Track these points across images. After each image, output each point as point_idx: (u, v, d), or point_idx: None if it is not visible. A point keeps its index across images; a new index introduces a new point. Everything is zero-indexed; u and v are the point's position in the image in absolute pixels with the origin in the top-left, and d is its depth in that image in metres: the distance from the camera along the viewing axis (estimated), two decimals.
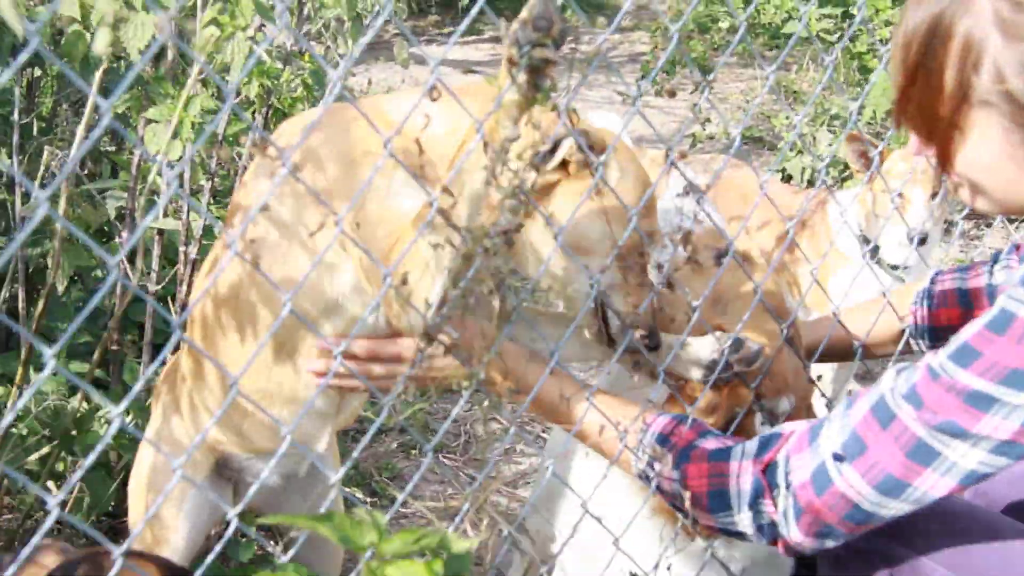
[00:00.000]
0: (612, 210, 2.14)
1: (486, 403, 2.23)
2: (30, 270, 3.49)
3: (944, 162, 1.98)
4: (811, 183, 6.61)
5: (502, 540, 2.32)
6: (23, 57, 1.38)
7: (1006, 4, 1.82)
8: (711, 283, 2.21)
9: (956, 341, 1.89)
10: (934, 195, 4.22)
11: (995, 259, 2.56)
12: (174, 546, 2.60)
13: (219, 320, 2.44)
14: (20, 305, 3.45)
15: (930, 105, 1.93)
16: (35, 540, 1.59)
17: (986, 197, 1.98)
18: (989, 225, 6.32)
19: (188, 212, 3.42)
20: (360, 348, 2.28)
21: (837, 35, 7.97)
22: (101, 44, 1.24)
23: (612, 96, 7.93)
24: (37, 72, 3.84)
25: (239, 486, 2.72)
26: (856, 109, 2.65)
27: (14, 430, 3.21)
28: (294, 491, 2.79)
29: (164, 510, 2.60)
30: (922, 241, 4.18)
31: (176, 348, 3.13)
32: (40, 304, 3.34)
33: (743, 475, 2.06)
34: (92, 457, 1.51)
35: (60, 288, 3.36)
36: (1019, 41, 1.82)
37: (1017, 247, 2.53)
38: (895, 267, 4.34)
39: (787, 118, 7.37)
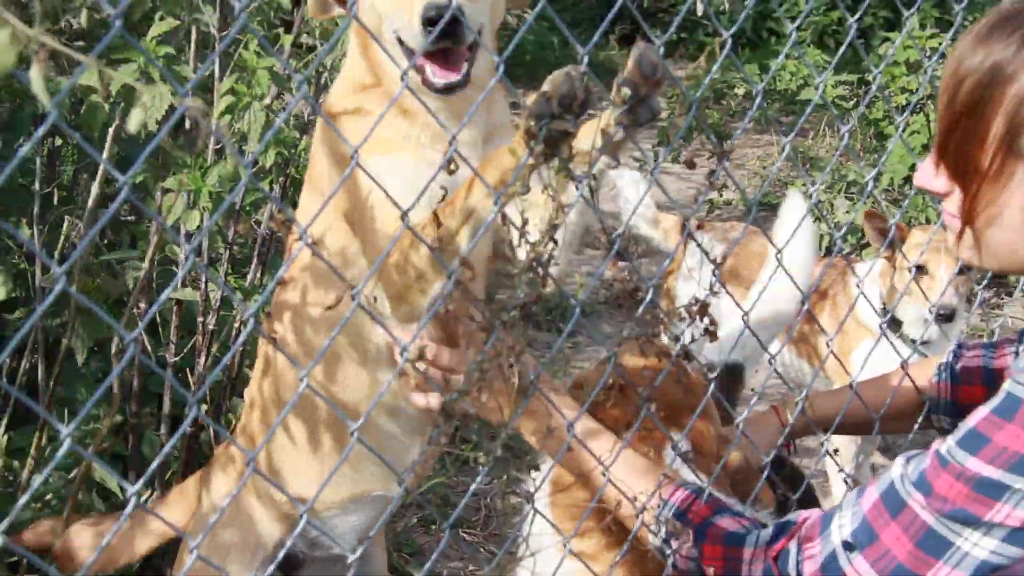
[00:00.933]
0: None
1: (504, 477, 2.22)
2: (50, 340, 3.49)
3: (969, 210, 1.96)
4: (829, 251, 6.60)
5: None
6: (42, 130, 1.38)
7: None
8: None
9: (964, 427, 1.87)
10: (960, 271, 4.16)
11: (1021, 337, 2.52)
12: None
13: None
14: (40, 375, 3.45)
15: (971, 147, 1.92)
16: None
17: (992, 254, 1.97)
18: (1010, 294, 6.30)
19: (206, 282, 3.43)
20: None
21: (853, 102, 8.00)
22: (135, 124, 1.25)
23: (629, 161, 7.96)
24: (58, 141, 3.86)
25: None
26: (873, 176, 2.64)
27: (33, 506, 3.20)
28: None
29: None
30: (948, 318, 4.13)
31: (195, 423, 3.13)
32: (56, 373, 3.34)
33: (755, 562, 2.03)
34: (109, 537, 1.50)
35: (79, 359, 3.36)
36: None
37: None
38: (916, 341, 4.28)
39: (803, 185, 7.36)
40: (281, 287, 2.46)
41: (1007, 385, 1.83)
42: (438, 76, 2.11)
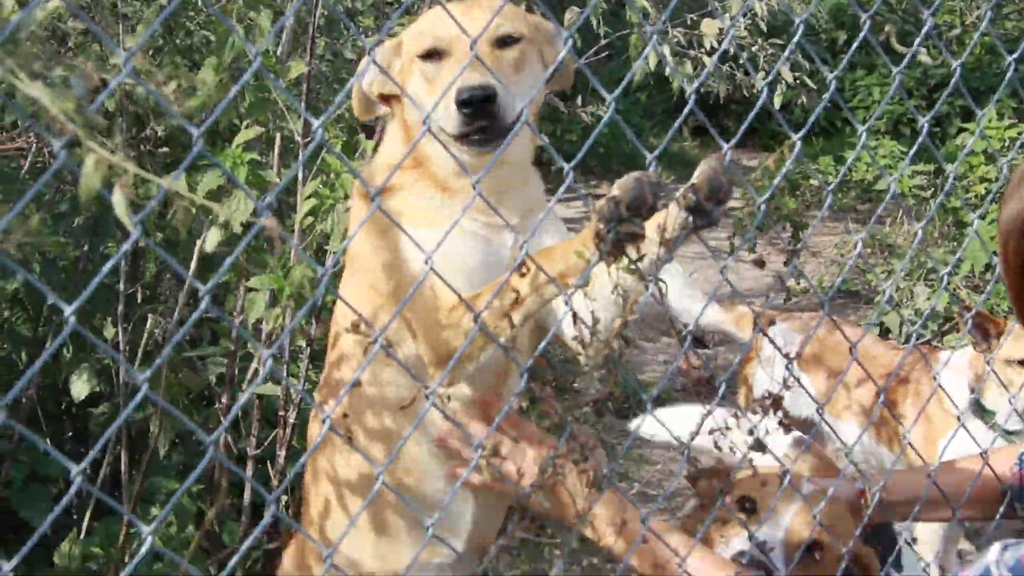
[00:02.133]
0: None
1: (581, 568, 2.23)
2: (133, 433, 3.56)
3: None
4: (909, 338, 6.53)
5: None
6: (126, 247, 1.44)
7: None
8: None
9: None
10: None
11: None
12: None
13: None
14: (123, 468, 3.50)
15: None
16: None
17: None
18: None
19: (286, 378, 3.47)
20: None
21: (931, 191, 7.96)
22: (211, 243, 1.30)
23: (703, 251, 7.96)
24: (142, 242, 3.95)
25: None
26: (953, 264, 2.63)
27: None
28: None
29: None
30: None
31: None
32: (143, 467, 3.40)
33: None
34: None
35: (162, 451, 3.42)
36: None
37: None
38: (1009, 432, 4.20)
39: (883, 273, 7.31)
40: (335, 367, 2.50)
41: None
42: (461, 150, 2.21)
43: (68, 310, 1.28)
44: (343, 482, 2.48)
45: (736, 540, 2.40)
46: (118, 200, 1.19)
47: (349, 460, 2.47)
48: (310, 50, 3.33)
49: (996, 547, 1.94)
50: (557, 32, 2.37)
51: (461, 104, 2.10)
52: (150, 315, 3.76)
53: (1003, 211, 1.88)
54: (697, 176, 1.89)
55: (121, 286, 3.65)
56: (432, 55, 2.28)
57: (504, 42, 2.26)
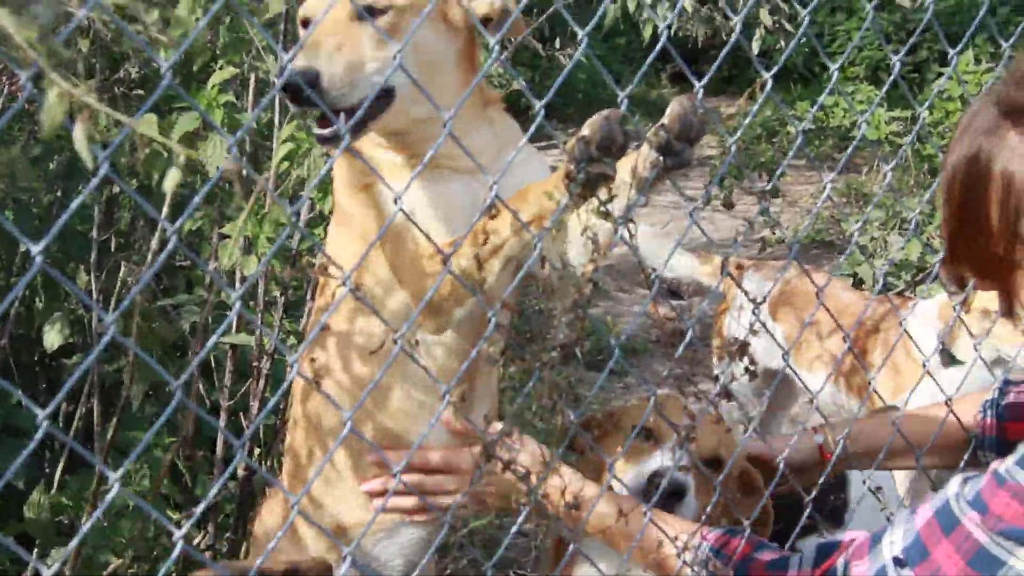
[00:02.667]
0: None
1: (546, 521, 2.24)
2: (106, 385, 3.55)
3: (1009, 299, 1.94)
4: (886, 288, 6.53)
5: None
6: (94, 182, 1.43)
7: None
8: None
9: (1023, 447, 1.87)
10: None
11: None
12: None
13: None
14: (95, 420, 3.50)
15: (983, 245, 1.88)
16: None
17: None
18: None
19: (260, 327, 3.47)
20: (419, 460, 2.30)
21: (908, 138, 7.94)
22: (170, 183, 1.29)
23: (678, 202, 7.96)
24: (116, 188, 3.92)
25: None
26: (926, 210, 2.63)
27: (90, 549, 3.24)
28: None
29: None
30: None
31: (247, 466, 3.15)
32: (115, 419, 3.40)
33: None
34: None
35: (135, 404, 3.42)
36: None
37: None
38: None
39: (857, 222, 7.31)
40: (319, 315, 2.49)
41: None
42: (318, 129, 2.16)
43: (35, 249, 1.27)
44: (327, 431, 2.48)
45: (648, 462, 2.40)
46: (79, 135, 1.18)
47: (329, 409, 2.47)
48: None
49: (956, 480, 1.96)
50: None
51: (284, 91, 2.02)
52: (123, 263, 3.75)
53: (953, 152, 1.90)
54: (668, 115, 1.88)
55: (94, 233, 3.64)
56: (306, 25, 2.22)
57: (370, 12, 2.14)
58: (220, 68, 3.17)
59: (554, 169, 2.15)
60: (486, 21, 2.28)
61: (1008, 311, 1.97)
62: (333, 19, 2.09)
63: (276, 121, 3.36)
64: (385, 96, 2.14)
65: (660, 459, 2.38)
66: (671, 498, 2.29)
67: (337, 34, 2.10)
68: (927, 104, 2.73)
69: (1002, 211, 1.83)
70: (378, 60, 2.12)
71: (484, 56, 2.36)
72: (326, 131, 2.13)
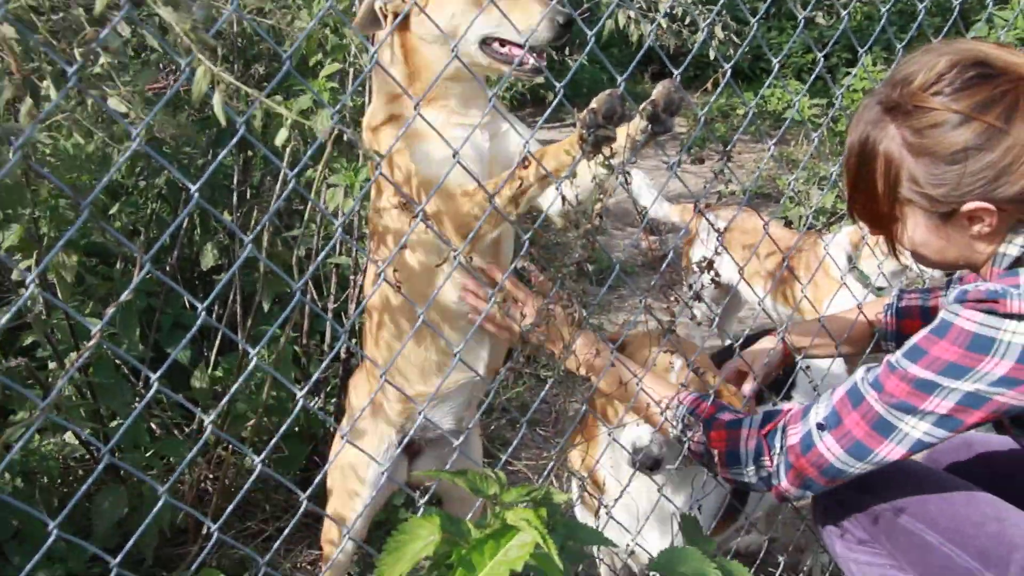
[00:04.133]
0: None
1: (566, 389, 2.22)
2: (245, 294, 3.55)
3: (892, 241, 1.98)
4: (810, 228, 6.48)
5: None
6: (234, 141, 1.41)
7: (907, 131, 1.82)
8: None
9: (909, 343, 1.89)
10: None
11: (948, 284, 2.50)
12: (362, 502, 2.52)
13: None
14: (238, 318, 3.51)
15: (872, 204, 1.92)
16: (245, 488, 1.61)
17: (926, 260, 1.96)
18: None
19: (355, 251, 3.45)
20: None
21: (825, 119, 7.84)
22: (280, 138, 1.27)
23: (659, 164, 7.91)
24: (249, 154, 3.90)
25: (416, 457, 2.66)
26: (837, 170, 2.61)
27: (237, 407, 3.26)
28: (439, 459, 2.74)
29: (354, 481, 2.53)
30: (897, 274, 4.06)
31: (347, 351, 3.15)
32: (251, 318, 3.40)
33: (750, 439, 2.04)
34: (284, 427, 1.53)
35: (265, 307, 3.42)
36: (922, 156, 1.80)
37: (960, 279, 2.47)
38: (880, 289, 4.18)
39: (787, 180, 7.23)
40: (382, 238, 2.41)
41: (942, 314, 1.84)
42: (536, 61, 2.06)
43: (194, 188, 1.25)
44: (396, 324, 2.44)
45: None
46: (217, 101, 1.15)
47: (398, 309, 2.42)
48: None
49: (861, 368, 1.97)
50: None
51: (562, 24, 1.98)
52: (255, 207, 3.73)
53: (849, 136, 1.93)
54: (655, 93, 1.84)
55: (234, 185, 3.62)
56: None
57: None
58: (329, 63, 3.13)
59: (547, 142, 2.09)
60: None
61: (892, 251, 2.02)
62: None
63: (366, 102, 3.30)
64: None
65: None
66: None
67: None
68: (839, 94, 2.69)
69: (884, 181, 1.87)
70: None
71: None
72: (543, 63, 2.08)
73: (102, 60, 1.55)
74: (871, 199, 1.91)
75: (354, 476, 2.52)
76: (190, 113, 3.69)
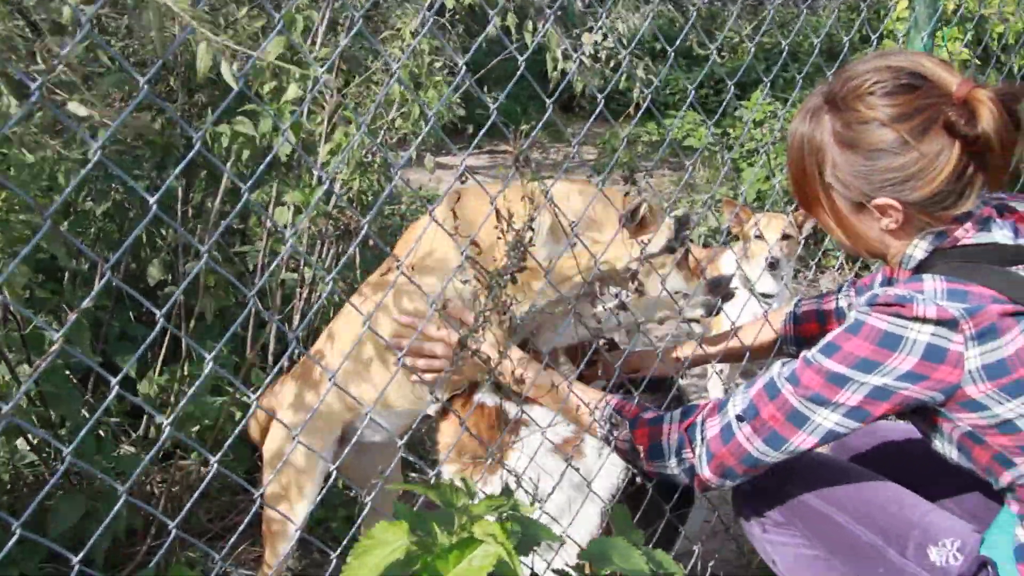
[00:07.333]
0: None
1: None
2: (188, 307, 3.44)
3: (820, 221, 2.01)
4: (706, 245, 6.58)
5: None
6: (188, 157, 1.36)
7: (839, 123, 1.86)
8: None
9: (824, 340, 1.90)
10: (784, 237, 4.09)
11: (839, 289, 2.56)
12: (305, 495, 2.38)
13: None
14: (182, 331, 3.39)
15: (806, 186, 1.96)
16: (203, 484, 1.55)
17: (844, 245, 2.00)
18: (823, 273, 6.30)
19: (302, 266, 3.39)
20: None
21: (718, 147, 8.00)
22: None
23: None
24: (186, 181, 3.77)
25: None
26: (743, 192, 2.64)
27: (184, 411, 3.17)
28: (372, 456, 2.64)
29: (295, 474, 2.37)
30: (774, 266, 4.06)
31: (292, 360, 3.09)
32: (191, 330, 3.31)
33: (672, 433, 2.04)
34: (239, 428, 1.48)
35: (208, 319, 3.32)
36: (846, 149, 1.85)
37: (852, 283, 2.53)
38: (766, 295, 4.19)
39: (687, 203, 7.35)
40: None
41: (854, 314, 1.85)
42: None
43: (152, 200, 1.21)
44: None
45: None
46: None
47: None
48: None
49: (777, 363, 1.98)
50: None
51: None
52: (198, 226, 3.63)
53: (792, 124, 1.96)
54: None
55: (179, 205, 3.53)
56: None
57: None
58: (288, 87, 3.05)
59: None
60: None
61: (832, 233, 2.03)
62: None
63: (325, 127, 3.23)
64: None
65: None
66: None
67: None
68: (745, 124, 2.75)
69: (816, 167, 1.91)
70: None
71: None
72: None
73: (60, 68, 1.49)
74: (802, 180, 1.95)
75: (296, 473, 2.44)
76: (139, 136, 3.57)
